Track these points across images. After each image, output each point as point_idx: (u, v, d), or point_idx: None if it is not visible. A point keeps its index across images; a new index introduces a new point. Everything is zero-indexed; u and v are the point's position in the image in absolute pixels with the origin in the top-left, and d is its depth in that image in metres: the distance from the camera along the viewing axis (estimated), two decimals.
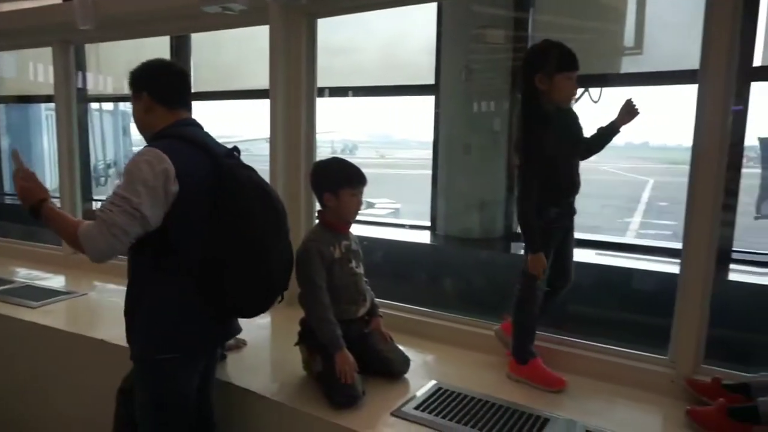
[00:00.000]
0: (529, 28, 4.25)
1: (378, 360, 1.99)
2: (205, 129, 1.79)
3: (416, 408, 1.81)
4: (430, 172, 4.74)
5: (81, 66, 4.28)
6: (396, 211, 9.17)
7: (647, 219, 10.74)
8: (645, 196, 13.83)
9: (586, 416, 1.78)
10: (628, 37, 4.04)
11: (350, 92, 4.92)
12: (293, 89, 2.67)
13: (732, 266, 3.55)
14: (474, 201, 4.51)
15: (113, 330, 2.21)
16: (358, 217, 2.00)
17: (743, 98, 3.25)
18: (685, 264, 1.93)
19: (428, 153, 4.80)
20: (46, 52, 3.56)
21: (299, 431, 1.83)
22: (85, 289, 3.09)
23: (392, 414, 1.77)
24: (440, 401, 1.85)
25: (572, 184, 2.00)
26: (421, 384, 1.98)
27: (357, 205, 1.94)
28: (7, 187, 7.05)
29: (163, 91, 1.71)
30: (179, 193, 1.55)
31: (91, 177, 6.78)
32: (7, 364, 2.71)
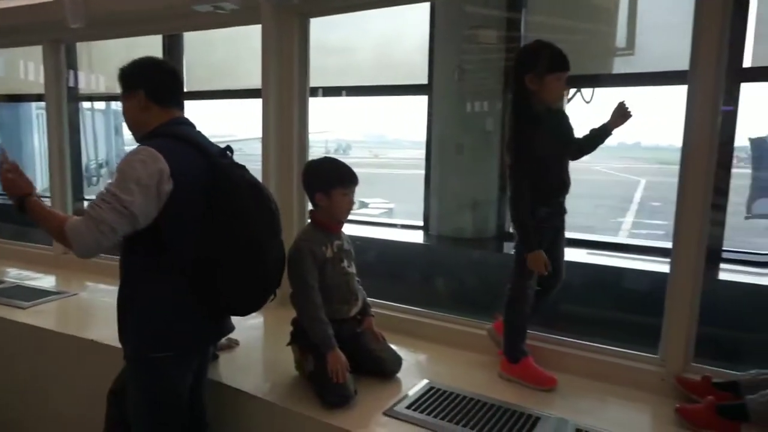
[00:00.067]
0: (521, 28, 4.26)
1: (370, 359, 1.99)
2: (198, 128, 1.79)
3: (408, 407, 1.81)
4: (423, 172, 4.75)
5: (72, 65, 4.25)
6: (389, 211, 9.17)
7: (639, 219, 10.81)
8: (637, 196, 13.93)
9: (577, 415, 1.79)
10: (620, 38, 4.06)
11: (344, 92, 4.91)
12: (285, 89, 2.67)
13: (722, 266, 3.57)
14: (466, 201, 4.52)
15: (104, 330, 2.21)
16: (351, 217, 2.00)
17: (733, 99, 3.27)
18: (675, 263, 1.94)
19: (422, 153, 4.81)
20: (37, 51, 3.53)
21: (291, 431, 1.83)
22: (76, 289, 3.07)
23: (384, 413, 1.77)
24: (432, 400, 1.86)
25: (562, 184, 2.01)
26: (413, 383, 1.98)
27: (349, 205, 1.94)
28: None
29: (158, 89, 1.70)
30: (173, 192, 1.54)
31: (82, 176, 6.72)
32: None
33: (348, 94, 4.94)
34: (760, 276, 3.58)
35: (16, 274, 3.35)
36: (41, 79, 3.54)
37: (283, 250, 1.81)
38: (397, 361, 2.04)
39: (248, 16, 2.66)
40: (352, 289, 2.00)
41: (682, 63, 1.90)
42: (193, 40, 5.23)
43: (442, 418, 1.75)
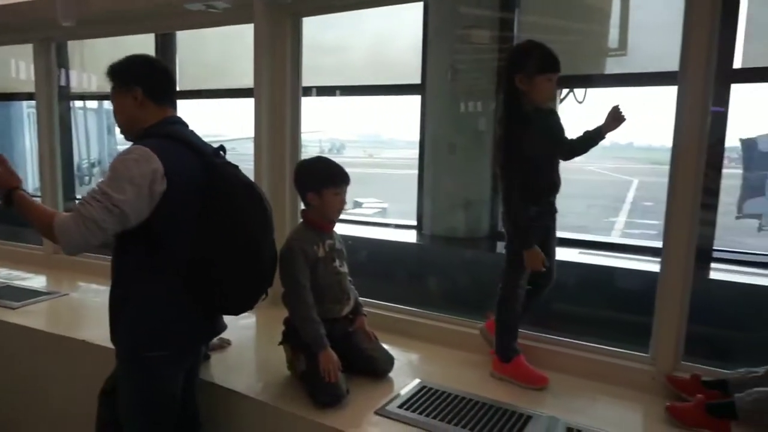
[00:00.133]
0: (514, 28, 4.27)
1: (362, 359, 1.99)
2: (191, 127, 1.78)
3: (400, 406, 1.81)
4: (416, 171, 4.75)
5: (64, 64, 4.23)
6: (383, 211, 9.19)
7: (632, 219, 10.87)
8: (630, 196, 14.00)
9: (568, 413, 1.80)
10: (612, 39, 4.08)
11: (337, 91, 4.91)
12: (278, 88, 2.66)
13: (713, 265, 3.59)
14: (459, 200, 4.52)
15: (95, 330, 2.20)
16: (344, 217, 2.00)
17: (724, 100, 3.30)
18: (665, 263, 1.95)
19: (415, 152, 4.81)
20: (28, 49, 3.51)
21: (283, 430, 1.83)
22: (67, 289, 3.05)
23: (376, 413, 1.77)
24: (424, 400, 1.86)
25: (552, 184, 2.02)
26: (405, 383, 1.98)
27: (340, 204, 1.94)
28: None
29: (155, 86, 1.69)
30: (167, 192, 1.54)
31: (74, 176, 6.69)
32: None
33: (342, 94, 4.94)
34: (751, 275, 3.61)
35: (5, 274, 3.32)
36: (33, 78, 3.52)
37: (275, 249, 1.81)
38: (389, 360, 2.04)
39: (241, 15, 2.65)
40: (344, 289, 2.00)
41: (675, 63, 1.91)
42: (186, 39, 5.21)
43: (434, 417, 1.75)
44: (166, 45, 5.15)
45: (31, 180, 6.22)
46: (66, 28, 3.00)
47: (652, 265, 3.53)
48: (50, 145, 3.52)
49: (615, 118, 1.95)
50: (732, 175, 4.92)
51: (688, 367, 1.94)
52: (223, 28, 2.94)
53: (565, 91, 3.90)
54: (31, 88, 3.59)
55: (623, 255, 4.05)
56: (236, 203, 1.63)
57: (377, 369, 2.01)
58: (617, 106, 1.95)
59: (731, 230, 5.15)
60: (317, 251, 1.92)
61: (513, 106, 1.93)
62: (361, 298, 2.12)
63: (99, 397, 1.88)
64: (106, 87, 1.75)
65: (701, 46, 1.80)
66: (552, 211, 2.06)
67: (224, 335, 1.99)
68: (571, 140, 2.05)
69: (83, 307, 2.84)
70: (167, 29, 4.34)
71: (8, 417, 2.64)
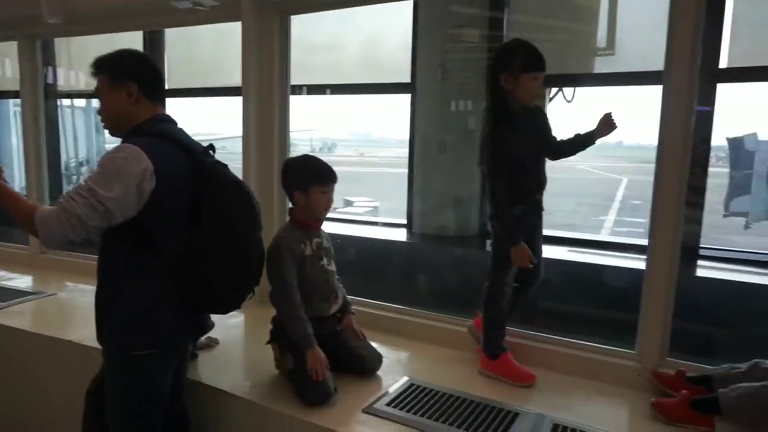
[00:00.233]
0: (504, 27, 4.28)
1: (350, 357, 1.99)
2: (180, 125, 1.76)
3: (388, 404, 1.81)
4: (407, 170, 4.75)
5: (51, 61, 4.18)
6: (374, 209, 9.18)
7: (621, 217, 10.95)
8: (619, 194, 14.11)
9: (555, 410, 1.81)
10: (601, 38, 4.11)
11: (328, 90, 4.90)
12: (266, 87, 2.65)
13: (700, 262, 3.63)
14: (449, 199, 4.54)
15: (82, 330, 2.18)
16: (335, 215, 2.00)
17: (710, 99, 3.33)
18: (651, 260, 1.97)
19: (406, 151, 4.81)
20: (14, 45, 3.47)
21: (271, 430, 1.82)
22: (54, 289, 3.02)
23: (364, 411, 1.77)
24: (412, 397, 1.87)
25: (538, 183, 2.03)
26: (393, 380, 1.99)
27: (327, 203, 1.94)
28: None
29: (148, 83, 1.68)
30: (157, 190, 1.53)
31: (61, 175, 6.62)
32: None
33: (332, 92, 4.93)
34: (737, 272, 3.64)
35: None
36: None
37: (262, 248, 1.81)
38: (377, 358, 2.04)
39: (228, 12, 2.64)
40: (331, 287, 2.00)
41: (662, 63, 1.92)
42: (175, 36, 5.18)
43: (422, 415, 1.76)
44: (154, 42, 5.11)
45: (18, 179, 6.15)
46: (52, 25, 2.97)
47: (639, 263, 3.56)
48: (36, 144, 3.48)
49: (607, 124, 1.97)
50: (719, 174, 4.96)
51: (673, 363, 1.96)
52: (215, 26, 2.92)
53: (554, 90, 3.93)
54: (17, 86, 3.55)
55: (611, 253, 4.08)
56: (225, 202, 1.63)
57: (365, 367, 2.01)
58: (610, 113, 1.97)
59: (718, 228, 5.19)
60: (304, 249, 1.92)
61: (499, 105, 1.94)
62: (349, 297, 2.12)
63: (85, 397, 1.86)
64: (94, 84, 1.72)
65: (685, 45, 1.82)
66: (538, 209, 2.07)
67: (212, 334, 1.98)
68: (560, 141, 2.06)
69: (70, 307, 2.82)
70: (155, 27, 4.30)
71: None
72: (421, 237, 4.62)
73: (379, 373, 2.03)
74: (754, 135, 4.65)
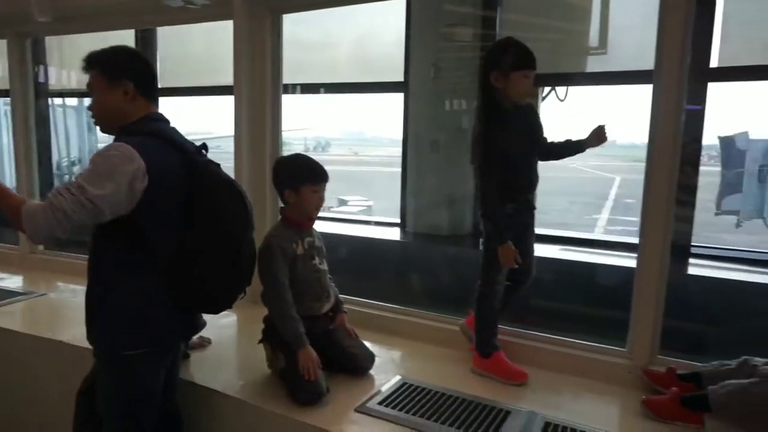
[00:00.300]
0: (497, 26, 4.29)
1: (343, 356, 1.99)
2: (173, 124, 1.75)
3: (380, 403, 1.82)
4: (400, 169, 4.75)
5: (42, 60, 4.14)
6: (368, 209, 9.18)
7: (614, 215, 10.99)
8: (612, 193, 14.16)
9: (547, 408, 1.82)
10: (593, 37, 4.12)
11: (321, 89, 4.88)
12: (258, 85, 2.65)
13: (692, 260, 3.65)
14: (442, 198, 4.53)
15: (73, 330, 2.17)
16: (329, 215, 2.00)
17: (701, 98, 3.34)
18: (641, 258, 1.98)
19: (399, 150, 4.81)
20: (3, 44, 3.44)
21: (264, 429, 1.82)
22: (44, 289, 3.01)
23: (356, 410, 1.78)
24: (404, 396, 1.87)
25: (529, 181, 2.03)
26: (386, 379, 1.99)
27: (318, 202, 1.93)
28: None
29: (144, 80, 1.67)
30: (149, 189, 1.52)
31: (53, 174, 6.57)
32: None
33: (325, 91, 4.92)
34: (728, 270, 3.67)
35: None
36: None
37: (254, 247, 1.81)
38: (370, 357, 2.04)
39: (220, 11, 2.63)
40: (323, 286, 1.99)
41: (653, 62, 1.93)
42: (168, 34, 5.14)
43: (415, 414, 1.76)
44: (147, 41, 5.08)
45: (8, 179, 6.10)
46: (42, 23, 2.94)
47: (631, 261, 3.58)
48: (26, 144, 3.46)
49: (598, 136, 2.00)
50: (711, 172, 4.99)
51: (664, 360, 1.97)
52: (209, 24, 2.91)
53: (547, 89, 3.93)
54: (6, 84, 3.52)
55: (604, 251, 4.09)
56: (218, 201, 1.63)
57: (358, 366, 2.01)
58: (603, 125, 2.00)
59: (710, 226, 5.22)
60: (296, 248, 1.91)
61: (490, 103, 1.94)
62: (342, 296, 2.12)
63: (76, 396, 1.86)
64: (87, 83, 1.70)
65: (675, 43, 1.83)
66: (530, 207, 2.07)
67: (204, 334, 1.97)
68: (551, 143, 2.07)
69: (61, 307, 2.80)
70: (146, 25, 4.27)
71: None
72: (414, 236, 4.62)
73: (371, 372, 2.03)
74: (746, 134, 4.69)
